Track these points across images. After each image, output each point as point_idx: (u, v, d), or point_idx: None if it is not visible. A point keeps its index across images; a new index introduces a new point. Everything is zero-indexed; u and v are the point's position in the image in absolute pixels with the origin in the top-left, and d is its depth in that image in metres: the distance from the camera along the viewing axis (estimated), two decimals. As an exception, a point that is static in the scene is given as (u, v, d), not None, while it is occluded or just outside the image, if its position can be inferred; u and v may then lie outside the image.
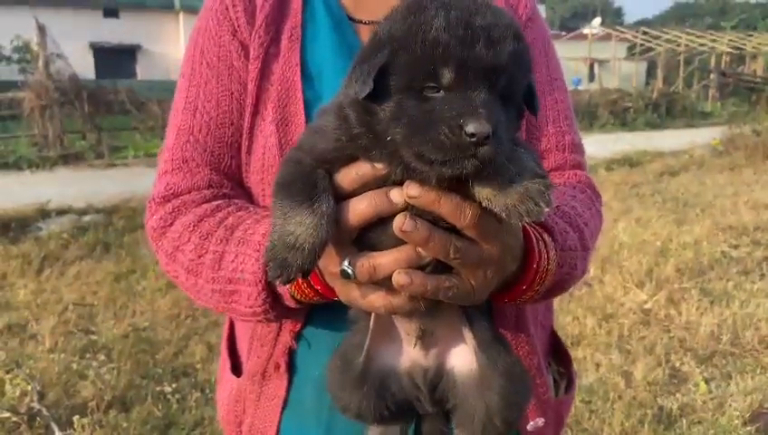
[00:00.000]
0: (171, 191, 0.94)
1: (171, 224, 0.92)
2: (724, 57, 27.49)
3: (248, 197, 0.98)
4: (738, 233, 6.28)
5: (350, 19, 0.96)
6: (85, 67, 20.48)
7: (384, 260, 0.71)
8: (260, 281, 0.83)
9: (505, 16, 0.68)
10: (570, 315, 4.46)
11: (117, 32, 26.14)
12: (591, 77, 27.02)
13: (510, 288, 0.84)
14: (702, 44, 27.63)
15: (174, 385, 3.42)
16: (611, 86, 20.91)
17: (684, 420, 3.14)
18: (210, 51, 0.96)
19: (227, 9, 0.95)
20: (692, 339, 4.00)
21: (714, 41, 28.37)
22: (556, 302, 4.10)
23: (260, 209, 0.92)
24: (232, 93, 0.94)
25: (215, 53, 0.95)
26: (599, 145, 11.49)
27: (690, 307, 4.44)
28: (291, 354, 0.95)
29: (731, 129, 12.78)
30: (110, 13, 26.89)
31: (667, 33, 28.53)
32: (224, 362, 1.09)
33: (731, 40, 28.79)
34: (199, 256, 0.87)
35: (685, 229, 6.40)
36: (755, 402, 3.26)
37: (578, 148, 1.04)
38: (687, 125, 18.24)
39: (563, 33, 36.50)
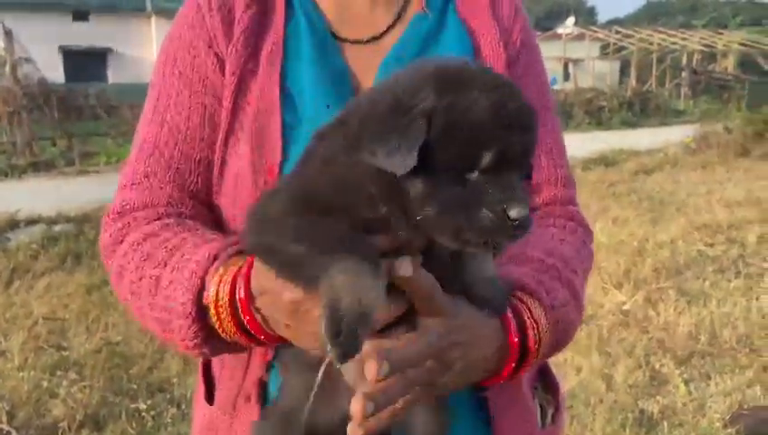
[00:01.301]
0: (126, 207, 0.89)
1: (121, 241, 0.87)
2: (695, 55, 27.93)
3: (212, 217, 0.92)
4: (713, 231, 6.35)
5: (334, 36, 0.91)
6: (54, 71, 20.09)
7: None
8: (190, 314, 0.76)
9: (524, 96, 0.69)
10: (549, 318, 4.45)
11: (87, 35, 25.72)
12: (566, 76, 27.28)
13: (499, 371, 0.82)
14: (674, 43, 28.04)
15: (149, 401, 3.33)
16: (586, 85, 21.12)
17: (665, 423, 3.14)
18: (183, 61, 0.90)
19: (204, 18, 0.90)
20: (670, 340, 4.02)
21: (685, 39, 28.81)
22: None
23: (208, 232, 0.86)
24: (205, 107, 0.89)
25: (188, 63, 0.90)
26: (575, 144, 11.52)
27: (668, 307, 4.46)
28: (262, 385, 0.90)
29: (703, 127, 12.97)
30: (80, 16, 26.45)
31: (640, 33, 28.91)
32: (198, 386, 1.04)
33: (702, 38, 29.27)
34: (139, 279, 0.82)
35: (660, 228, 6.46)
36: (735, 403, 3.27)
37: (570, 182, 1.01)
38: (661, 123, 18.48)
39: (538, 33, 36.84)
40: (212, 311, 0.75)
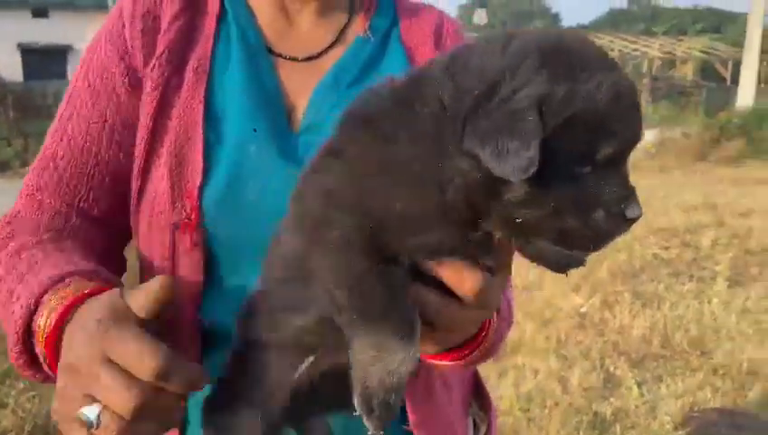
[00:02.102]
0: (15, 216, 0.87)
1: (2, 249, 0.84)
2: (655, 62, 28.56)
3: (104, 235, 0.89)
4: (669, 235, 6.50)
5: (271, 52, 0.88)
6: (13, 69, 19.57)
7: None
8: (16, 332, 0.71)
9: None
10: (509, 322, 4.50)
11: (46, 32, 25.11)
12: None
13: (457, 350, 0.79)
14: (635, 49, 28.64)
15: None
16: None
17: (618, 426, 3.20)
18: (95, 71, 0.86)
19: (123, 28, 0.86)
20: (625, 342, 4.09)
21: (646, 46, 29.45)
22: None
23: (78, 255, 0.80)
24: (105, 121, 0.85)
25: (99, 74, 0.86)
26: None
27: (623, 310, 4.55)
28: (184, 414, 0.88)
29: (662, 132, 13.28)
30: (39, 13, 25.79)
31: (601, 39, 29.45)
32: None
33: (662, 45, 29.95)
34: (3, 289, 0.78)
35: (619, 232, 6.57)
36: (686, 405, 3.35)
37: None
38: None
39: (504, 37, 37.24)
40: (37, 337, 0.70)
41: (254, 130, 0.82)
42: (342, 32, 0.91)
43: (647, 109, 23.48)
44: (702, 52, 29.33)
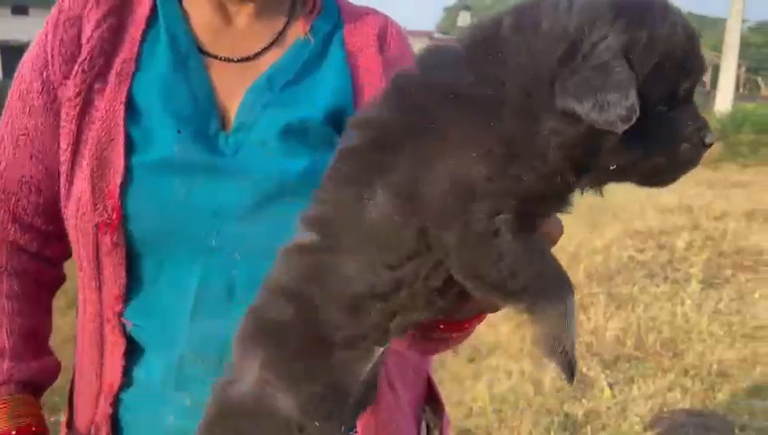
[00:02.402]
0: None
1: None
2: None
3: (39, 241, 0.91)
4: (645, 237, 6.58)
5: (205, 53, 0.88)
6: (-8, 67, 19.33)
7: None
8: None
9: None
10: (485, 323, 4.51)
11: (27, 30, 24.80)
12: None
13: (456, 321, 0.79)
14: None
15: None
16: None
17: (588, 427, 3.22)
18: (24, 79, 0.87)
19: (47, 36, 0.86)
20: (598, 344, 4.13)
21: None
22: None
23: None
24: (27, 130, 0.87)
25: (26, 83, 0.87)
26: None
27: (598, 312, 4.59)
28: (112, 419, 0.87)
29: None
30: (19, 10, 25.52)
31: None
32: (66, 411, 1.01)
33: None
34: None
35: (596, 234, 6.63)
36: (656, 407, 3.39)
37: None
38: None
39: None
40: None
41: (179, 132, 0.82)
42: (281, 34, 0.91)
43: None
44: (682, 56, 29.67)
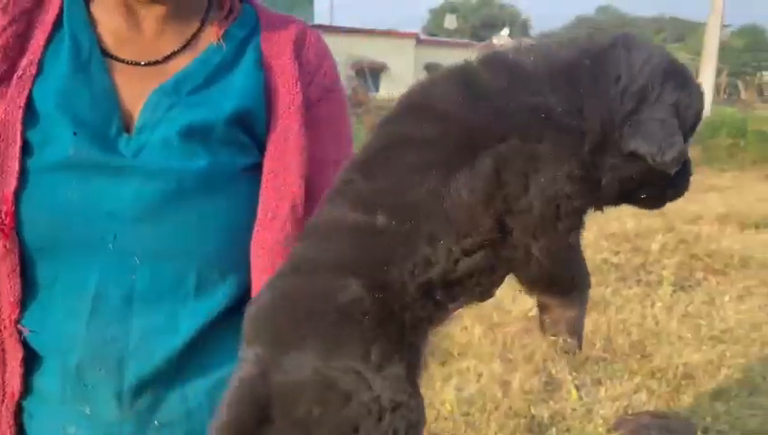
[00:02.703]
0: None
1: None
2: (620, 69, 29.10)
3: None
4: (620, 240, 6.63)
5: (110, 56, 0.88)
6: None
7: None
8: None
9: None
10: (458, 325, 4.55)
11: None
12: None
13: None
14: (600, 57, 29.14)
15: None
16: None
17: (554, 429, 3.25)
18: None
19: None
20: (568, 346, 4.16)
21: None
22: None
23: None
24: None
25: None
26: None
27: (570, 314, 4.62)
28: (18, 426, 0.86)
29: (622, 138, 13.51)
30: None
31: (569, 45, 29.94)
32: None
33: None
34: None
35: (572, 237, 6.68)
36: (621, 408, 3.43)
37: None
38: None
39: (474, 42, 37.58)
40: None
41: (75, 134, 0.81)
42: (193, 39, 0.91)
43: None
44: (664, 60, 29.97)
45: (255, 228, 0.87)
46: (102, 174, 0.82)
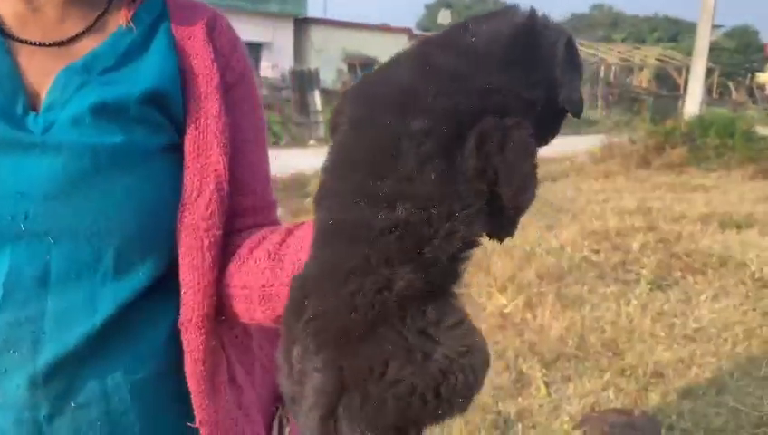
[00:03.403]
0: None
1: None
2: (613, 68, 29.19)
3: None
4: (601, 238, 6.63)
5: (12, 38, 0.85)
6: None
7: None
8: None
9: None
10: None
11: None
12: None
13: None
14: (593, 55, 29.21)
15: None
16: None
17: (520, 425, 3.25)
18: None
19: None
20: (541, 343, 4.16)
21: (605, 52, 30.07)
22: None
23: None
24: None
25: None
26: (489, 149, 11.87)
27: (545, 311, 4.63)
28: None
29: (610, 137, 13.56)
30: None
31: (562, 43, 29.92)
32: None
33: (620, 52, 30.64)
34: None
35: (553, 234, 6.69)
36: (588, 406, 3.43)
37: (276, 206, 1.03)
38: (574, 132, 19.18)
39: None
40: None
41: None
42: (100, 21, 0.89)
43: (600, 114, 24.02)
44: (657, 60, 30.10)
45: (180, 208, 0.86)
46: (10, 152, 0.80)
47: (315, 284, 0.71)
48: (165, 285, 0.88)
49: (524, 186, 0.71)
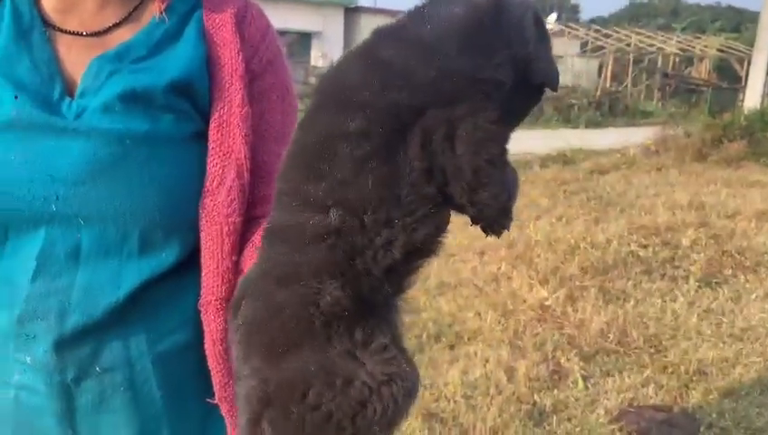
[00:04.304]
0: None
1: None
2: (672, 58, 28.21)
3: None
4: (650, 233, 6.47)
5: (53, 27, 0.92)
6: None
7: None
8: None
9: None
10: (472, 311, 4.55)
11: None
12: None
13: None
14: (651, 45, 28.30)
15: None
16: (564, 83, 21.30)
17: (555, 417, 3.24)
18: None
19: None
20: (581, 337, 4.13)
21: (663, 41, 29.08)
22: (462, 297, 4.10)
23: None
24: None
25: None
26: (538, 141, 11.70)
27: (586, 305, 4.58)
28: None
29: (665, 129, 13.14)
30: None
31: (618, 32, 29.12)
32: None
33: (679, 41, 29.57)
34: None
35: (600, 228, 6.57)
36: (626, 401, 3.39)
37: None
38: (628, 124, 18.70)
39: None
40: None
41: (16, 98, 0.86)
42: (135, 12, 0.94)
43: (655, 106, 23.30)
44: (718, 50, 28.92)
45: (203, 194, 0.90)
46: (44, 136, 0.85)
47: (251, 287, 0.70)
48: (188, 267, 0.93)
49: (478, 182, 0.63)
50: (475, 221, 0.69)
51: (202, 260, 0.91)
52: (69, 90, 0.89)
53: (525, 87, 0.67)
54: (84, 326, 0.88)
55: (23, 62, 0.88)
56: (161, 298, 0.92)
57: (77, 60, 0.91)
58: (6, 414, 0.92)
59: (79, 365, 0.88)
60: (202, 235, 0.91)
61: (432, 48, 0.64)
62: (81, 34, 0.92)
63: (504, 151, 0.65)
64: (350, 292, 0.64)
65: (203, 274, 0.91)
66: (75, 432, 0.91)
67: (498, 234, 0.68)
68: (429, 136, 0.62)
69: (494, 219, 0.67)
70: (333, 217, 0.63)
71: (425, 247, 0.67)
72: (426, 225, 0.65)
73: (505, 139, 0.66)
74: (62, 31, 0.92)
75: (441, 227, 0.67)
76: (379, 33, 0.68)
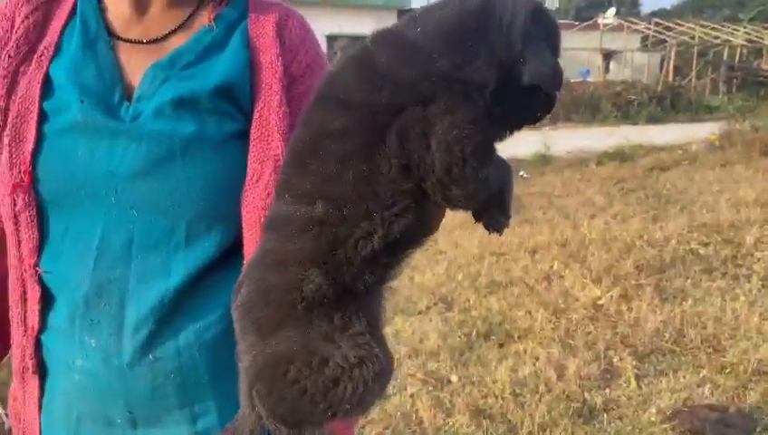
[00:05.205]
0: None
1: None
2: (739, 50, 27.05)
3: None
4: (711, 231, 6.26)
5: (118, 37, 1.01)
6: None
7: None
8: None
9: None
10: (522, 309, 4.53)
11: None
12: (607, 68, 26.74)
13: None
14: (716, 37, 27.22)
15: None
16: (624, 78, 20.75)
17: (605, 415, 3.21)
18: None
19: None
20: (634, 336, 4.05)
21: (728, 33, 27.92)
22: (513, 296, 4.09)
23: None
24: None
25: None
26: (595, 138, 11.49)
27: (641, 304, 4.48)
28: (38, 358, 1.01)
29: (729, 124, 12.65)
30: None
31: (681, 25, 28.13)
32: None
33: (746, 32, 28.31)
34: None
35: (658, 226, 6.41)
36: (681, 400, 3.32)
37: None
38: (692, 119, 18.06)
39: (577, 23, 36.09)
40: None
41: (82, 102, 0.95)
42: (188, 21, 1.02)
43: (721, 100, 22.38)
44: (791, 40, 27.52)
45: (244, 189, 0.98)
46: (105, 137, 0.95)
47: (249, 272, 0.77)
48: (230, 260, 1.00)
49: (450, 179, 0.65)
50: (476, 218, 0.72)
51: (244, 250, 0.98)
52: (127, 94, 0.99)
53: (518, 88, 0.67)
54: (141, 314, 0.96)
55: (89, 69, 0.98)
56: (207, 288, 0.99)
57: (136, 67, 0.99)
58: (72, 399, 1.01)
59: (135, 352, 0.97)
60: (244, 225, 0.98)
61: (416, 49, 0.67)
62: (142, 42, 1.01)
63: (484, 150, 0.67)
64: (332, 279, 0.69)
65: (244, 263, 0.97)
66: (133, 415, 0.99)
67: (498, 231, 0.71)
68: (405, 134, 0.65)
69: (495, 214, 0.70)
70: (319, 209, 0.69)
71: (406, 240, 0.71)
72: (405, 218, 0.68)
73: (488, 138, 0.67)
74: (124, 40, 1.01)
75: (424, 221, 0.71)
76: (373, 36, 0.72)
